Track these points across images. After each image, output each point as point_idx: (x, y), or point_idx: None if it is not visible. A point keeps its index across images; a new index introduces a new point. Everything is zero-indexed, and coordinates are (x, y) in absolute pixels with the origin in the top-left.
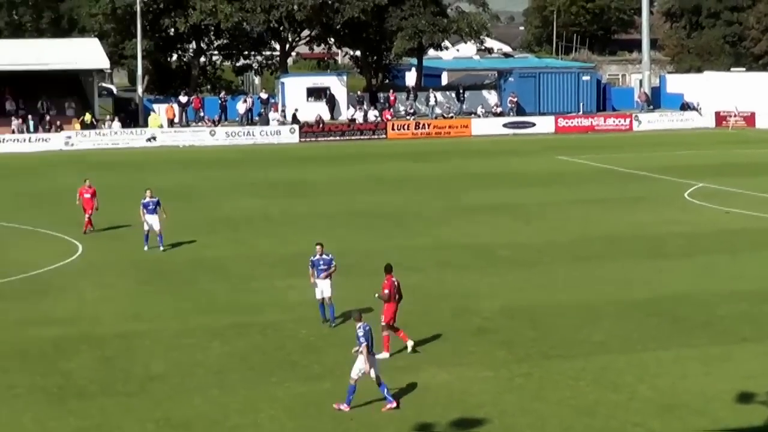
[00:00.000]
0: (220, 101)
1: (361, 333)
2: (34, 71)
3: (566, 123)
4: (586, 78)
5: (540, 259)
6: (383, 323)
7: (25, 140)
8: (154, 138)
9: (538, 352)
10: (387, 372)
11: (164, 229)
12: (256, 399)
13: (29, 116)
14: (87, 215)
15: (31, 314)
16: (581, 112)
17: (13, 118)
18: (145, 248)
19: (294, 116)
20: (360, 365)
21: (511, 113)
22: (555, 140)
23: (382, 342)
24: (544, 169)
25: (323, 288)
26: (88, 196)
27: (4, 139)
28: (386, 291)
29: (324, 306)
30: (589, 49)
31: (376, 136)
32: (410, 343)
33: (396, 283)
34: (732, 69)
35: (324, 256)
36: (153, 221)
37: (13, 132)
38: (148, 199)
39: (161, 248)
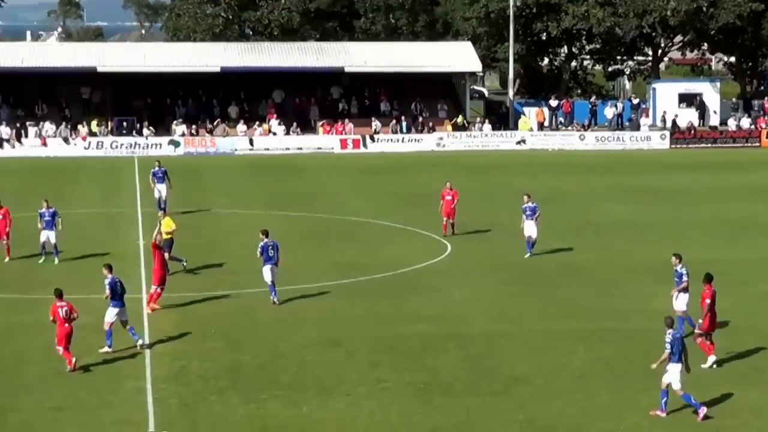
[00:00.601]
0: (590, 105)
1: (668, 339)
2: (408, 73)
3: None
4: None
5: None
6: (699, 330)
7: (398, 140)
8: (524, 141)
9: None
10: (724, 385)
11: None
12: (620, 405)
13: (402, 117)
14: (446, 219)
15: (401, 310)
16: None
17: (373, 118)
18: (527, 255)
19: (674, 122)
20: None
21: None
22: None
23: (700, 350)
24: None
25: (679, 303)
26: (449, 198)
27: (378, 139)
28: (707, 300)
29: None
30: None
31: (749, 144)
32: (711, 359)
33: (714, 293)
34: None
35: (676, 268)
36: (530, 228)
37: (376, 132)
38: (525, 204)
39: (528, 254)
